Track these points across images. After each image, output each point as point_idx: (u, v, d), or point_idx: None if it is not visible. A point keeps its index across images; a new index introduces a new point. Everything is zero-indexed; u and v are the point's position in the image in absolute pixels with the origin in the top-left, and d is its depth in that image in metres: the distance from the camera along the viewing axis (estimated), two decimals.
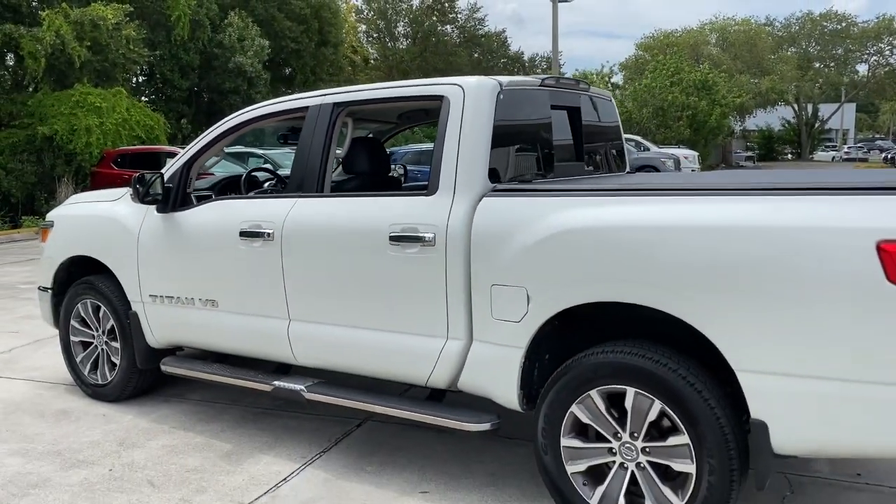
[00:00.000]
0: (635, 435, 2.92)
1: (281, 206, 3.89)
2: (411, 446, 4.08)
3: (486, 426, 3.32)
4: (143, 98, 23.57)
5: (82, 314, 4.88)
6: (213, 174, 10.17)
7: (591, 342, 3.06)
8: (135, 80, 23.81)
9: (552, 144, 3.87)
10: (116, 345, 4.72)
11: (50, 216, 5.16)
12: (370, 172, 4.34)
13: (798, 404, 2.58)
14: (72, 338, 4.97)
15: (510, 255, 3.13)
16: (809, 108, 60.29)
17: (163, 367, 4.52)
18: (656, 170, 21.76)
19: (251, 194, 4.69)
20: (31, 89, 18.62)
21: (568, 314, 3.08)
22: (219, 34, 24.37)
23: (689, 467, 2.80)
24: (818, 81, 56.54)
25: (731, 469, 2.72)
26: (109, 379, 4.80)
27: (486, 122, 3.36)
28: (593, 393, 2.97)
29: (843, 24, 54.10)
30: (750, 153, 52.43)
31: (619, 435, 2.96)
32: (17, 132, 17.09)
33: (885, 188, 2.49)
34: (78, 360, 4.95)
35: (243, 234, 3.96)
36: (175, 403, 4.83)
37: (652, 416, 2.85)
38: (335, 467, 3.84)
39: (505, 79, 3.51)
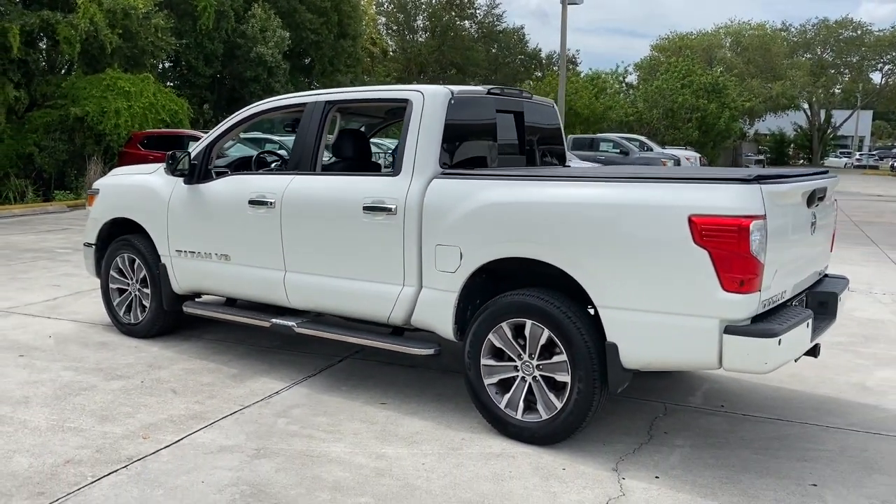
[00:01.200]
0: (532, 355, 3.96)
1: (281, 181, 4.95)
2: (380, 376, 5.15)
3: (430, 351, 4.39)
4: (168, 84, 24.74)
5: (120, 265, 5.98)
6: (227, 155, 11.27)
7: (509, 289, 4.10)
8: (161, 66, 24.96)
9: (496, 141, 4.90)
10: (147, 291, 5.82)
11: (96, 185, 6.25)
12: (353, 157, 5.38)
13: (637, 330, 3.61)
14: (110, 285, 6.07)
15: (449, 222, 4.18)
16: (823, 114, 60.62)
17: (185, 309, 5.62)
18: None
19: (259, 171, 5.75)
20: (63, 72, 19.81)
21: (494, 270, 4.13)
22: (242, 25, 25.48)
23: (566, 378, 3.83)
24: (831, 88, 56.86)
25: (594, 378, 3.75)
26: (140, 319, 5.90)
27: (439, 121, 4.40)
28: (504, 325, 4.02)
29: (859, 32, 54.43)
30: (760, 156, 53.10)
31: (521, 356, 4.00)
32: (51, 112, 18.24)
33: (696, 178, 3.52)
34: (115, 303, 6.05)
35: (251, 202, 5.02)
36: (193, 341, 5.92)
37: (542, 340, 3.89)
38: (317, 387, 4.92)
39: (456, 88, 4.55)
